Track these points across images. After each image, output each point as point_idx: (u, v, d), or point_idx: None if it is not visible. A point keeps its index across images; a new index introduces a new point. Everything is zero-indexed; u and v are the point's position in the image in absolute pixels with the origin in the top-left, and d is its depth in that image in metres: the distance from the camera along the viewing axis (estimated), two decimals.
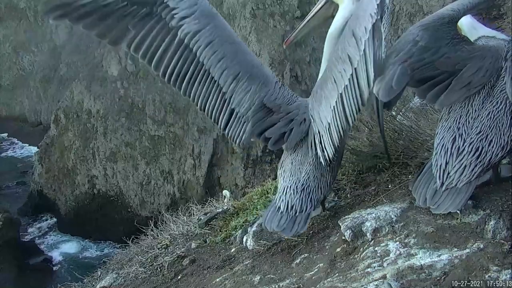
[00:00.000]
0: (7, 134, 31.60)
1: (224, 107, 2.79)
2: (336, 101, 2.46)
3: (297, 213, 2.61)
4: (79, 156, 23.28)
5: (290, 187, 2.69)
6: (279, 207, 2.66)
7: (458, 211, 2.28)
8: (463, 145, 2.36)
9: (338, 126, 2.49)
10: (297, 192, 2.66)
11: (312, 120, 2.70)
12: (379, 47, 2.30)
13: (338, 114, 2.47)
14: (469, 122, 2.40)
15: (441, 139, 2.43)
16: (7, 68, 33.03)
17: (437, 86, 2.45)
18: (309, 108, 2.74)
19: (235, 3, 19.27)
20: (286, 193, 2.69)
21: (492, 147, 2.33)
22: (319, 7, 2.90)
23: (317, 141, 2.66)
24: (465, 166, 2.33)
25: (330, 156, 2.58)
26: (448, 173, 2.35)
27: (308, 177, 2.69)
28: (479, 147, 2.34)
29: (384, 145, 2.92)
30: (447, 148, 2.39)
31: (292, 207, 2.62)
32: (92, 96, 23.12)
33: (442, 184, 2.34)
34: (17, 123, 31.81)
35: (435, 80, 2.45)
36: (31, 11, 31.37)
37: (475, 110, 2.40)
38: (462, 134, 2.39)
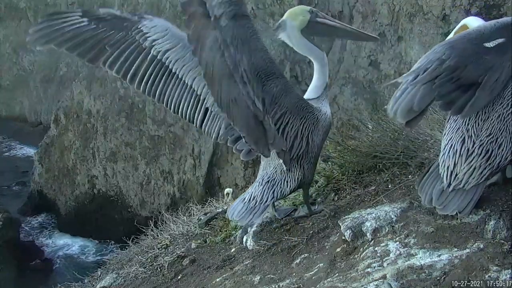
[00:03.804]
0: (3, 136, 31.42)
1: (199, 107, 3.07)
2: None
3: (256, 204, 2.80)
4: (79, 156, 23.23)
5: (258, 180, 2.93)
6: (245, 198, 2.87)
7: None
8: (472, 146, 2.33)
9: None
10: (261, 184, 2.88)
11: None
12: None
13: None
14: (478, 124, 2.36)
15: (449, 140, 2.40)
16: (7, 68, 32.98)
17: (460, 98, 2.33)
18: None
19: None
20: (254, 186, 2.92)
21: (502, 150, 2.30)
22: None
23: None
24: (474, 168, 2.30)
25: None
26: (456, 175, 2.32)
27: (275, 171, 2.90)
28: (489, 149, 2.30)
29: None
30: (456, 149, 2.35)
31: (254, 198, 2.83)
32: (92, 96, 23.06)
33: (449, 184, 2.32)
34: (17, 123, 31.76)
35: (460, 94, 2.33)
36: (31, 11, 31.30)
37: (485, 112, 2.36)
38: (471, 135, 2.35)
